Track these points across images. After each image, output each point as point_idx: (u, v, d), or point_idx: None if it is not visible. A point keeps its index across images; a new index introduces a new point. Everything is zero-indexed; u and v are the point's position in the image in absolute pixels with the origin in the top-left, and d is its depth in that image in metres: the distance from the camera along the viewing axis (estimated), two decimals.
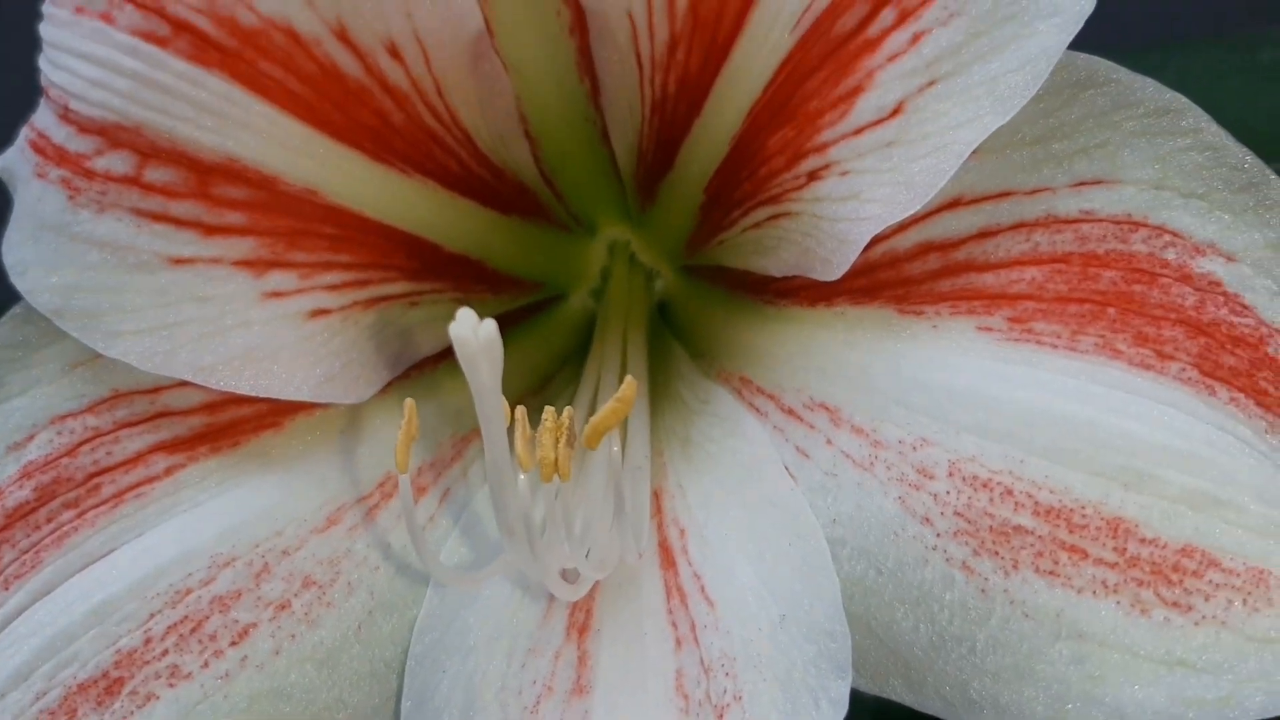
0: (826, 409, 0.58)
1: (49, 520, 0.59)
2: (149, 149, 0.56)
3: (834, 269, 0.57)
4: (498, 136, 0.62)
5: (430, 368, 0.65)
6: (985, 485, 0.54)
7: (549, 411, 0.58)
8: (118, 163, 0.56)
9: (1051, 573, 0.53)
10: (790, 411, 0.60)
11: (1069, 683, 0.52)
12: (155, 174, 0.56)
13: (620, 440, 0.60)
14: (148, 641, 0.58)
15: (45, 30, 0.55)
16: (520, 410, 0.58)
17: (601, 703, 0.56)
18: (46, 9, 0.55)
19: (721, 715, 0.54)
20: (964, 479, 0.55)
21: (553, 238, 0.67)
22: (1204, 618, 0.51)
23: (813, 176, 0.56)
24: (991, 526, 0.54)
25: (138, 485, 0.60)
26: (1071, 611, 0.52)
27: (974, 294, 0.56)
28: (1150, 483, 0.52)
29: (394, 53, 0.57)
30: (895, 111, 0.54)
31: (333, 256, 0.60)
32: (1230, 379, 0.53)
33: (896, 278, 0.58)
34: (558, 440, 0.57)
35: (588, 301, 0.69)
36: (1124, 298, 0.54)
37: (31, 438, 0.60)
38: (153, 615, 0.58)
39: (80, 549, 0.59)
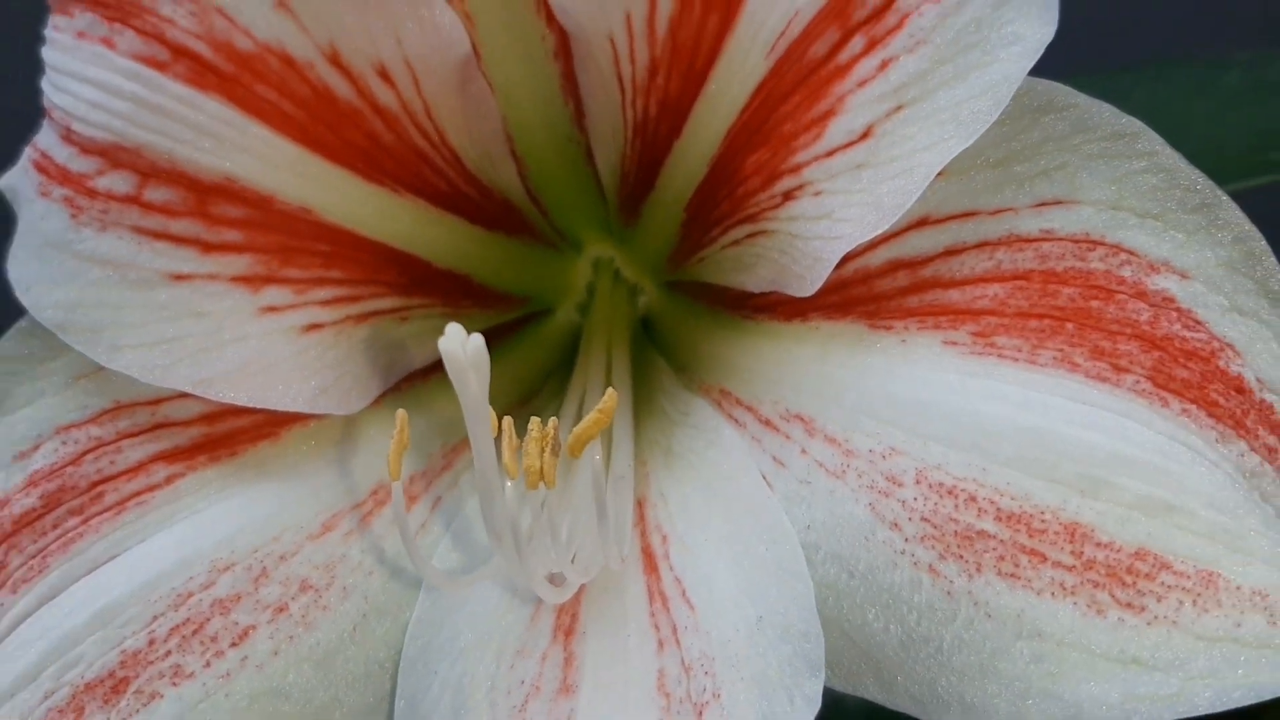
0: (801, 420, 0.59)
1: (55, 526, 0.59)
2: (149, 169, 0.57)
3: (808, 285, 0.58)
4: (485, 156, 0.62)
5: (421, 380, 0.65)
6: (950, 492, 0.55)
7: (534, 422, 0.58)
8: (119, 182, 0.57)
9: (1013, 575, 0.53)
10: (767, 422, 0.60)
11: (1029, 680, 0.53)
12: (155, 193, 0.57)
13: (604, 450, 0.61)
14: (151, 643, 0.58)
15: (48, 54, 0.56)
16: (507, 421, 0.59)
17: (587, 702, 0.57)
18: (49, 33, 0.56)
19: (701, 713, 0.54)
20: (930, 486, 0.55)
21: (539, 254, 0.67)
22: (1156, 618, 0.52)
23: (788, 196, 0.57)
24: (956, 531, 0.54)
25: (140, 493, 0.60)
26: (1031, 612, 0.53)
27: (940, 310, 0.57)
28: (1106, 490, 0.53)
29: (384, 76, 0.58)
30: (865, 135, 0.54)
31: (326, 272, 0.61)
32: (1183, 391, 0.54)
33: (867, 294, 0.58)
34: (543, 449, 0.57)
35: (573, 316, 0.69)
36: (1082, 313, 0.55)
37: (37, 447, 0.60)
38: (156, 618, 0.58)
39: (85, 554, 0.59)
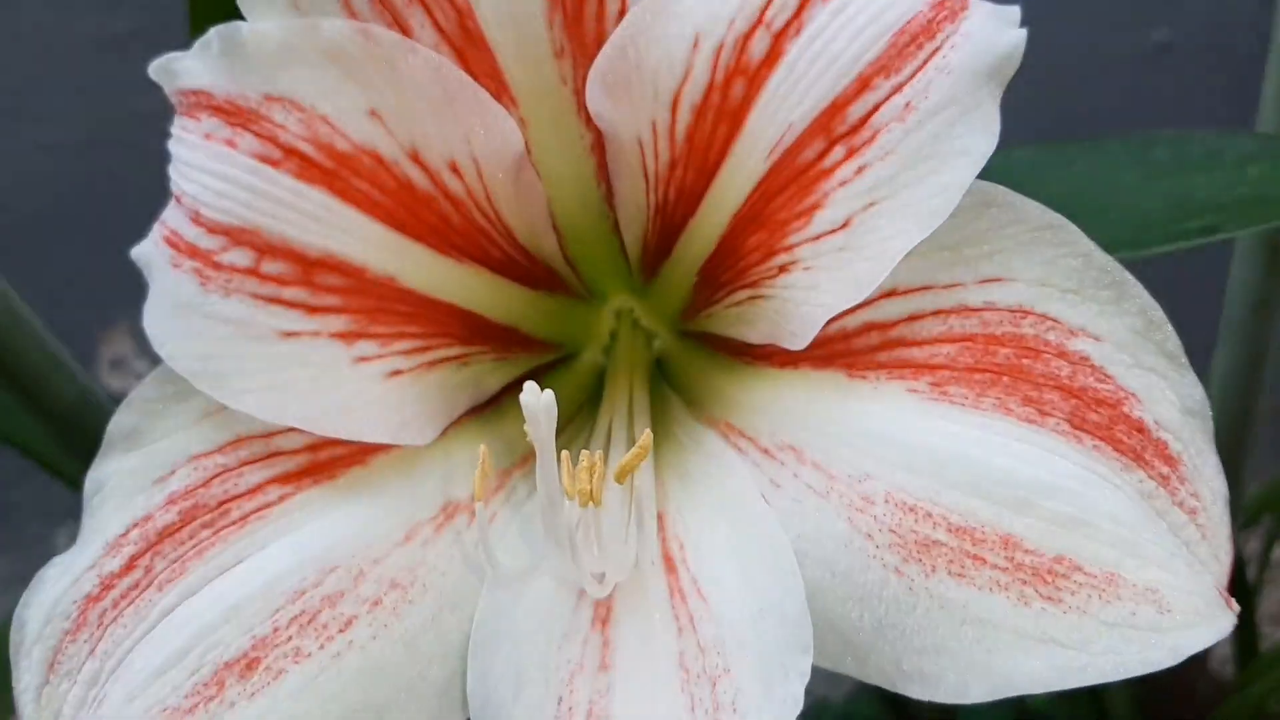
0: (793, 449, 0.62)
1: (191, 537, 0.62)
2: (264, 246, 0.60)
3: (799, 341, 0.61)
4: (531, 230, 0.66)
5: (477, 414, 0.69)
6: (911, 510, 0.58)
7: (585, 454, 0.61)
8: (240, 257, 0.60)
9: (960, 575, 0.57)
10: (765, 451, 0.63)
11: (973, 656, 0.57)
12: (270, 266, 0.60)
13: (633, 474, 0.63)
14: (275, 630, 0.61)
15: (175, 149, 0.60)
16: (565, 454, 0.62)
17: (621, 675, 0.60)
18: (176, 132, 0.59)
19: (715, 683, 0.58)
20: (896, 505, 0.58)
21: (571, 306, 0.70)
22: (1070, 608, 0.56)
23: (782, 270, 0.61)
24: (916, 541, 0.58)
25: (259, 510, 0.63)
26: (974, 604, 0.57)
27: (904, 364, 0.60)
28: (1032, 508, 0.57)
29: (455, 170, 0.62)
30: (844, 224, 0.58)
31: (405, 328, 0.64)
32: (1094, 430, 0.57)
33: (846, 349, 0.61)
34: (592, 475, 0.61)
35: (599, 358, 0.72)
36: (1015, 369, 0.58)
37: (173, 472, 0.63)
38: (277, 610, 0.61)
39: (217, 560, 0.62)
